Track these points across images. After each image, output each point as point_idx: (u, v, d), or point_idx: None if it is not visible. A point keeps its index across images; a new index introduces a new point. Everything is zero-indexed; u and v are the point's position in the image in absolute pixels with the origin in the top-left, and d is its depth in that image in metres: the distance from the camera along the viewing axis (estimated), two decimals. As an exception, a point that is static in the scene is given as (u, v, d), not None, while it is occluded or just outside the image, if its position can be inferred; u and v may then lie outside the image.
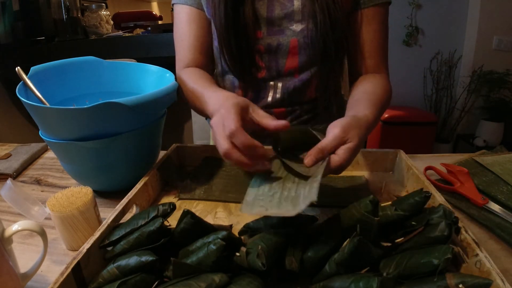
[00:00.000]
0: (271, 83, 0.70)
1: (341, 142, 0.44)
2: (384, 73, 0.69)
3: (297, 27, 0.65)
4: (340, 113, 0.77)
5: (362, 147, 0.48)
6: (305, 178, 0.44)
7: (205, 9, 0.69)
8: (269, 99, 0.71)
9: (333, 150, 0.44)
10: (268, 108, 0.72)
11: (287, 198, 0.41)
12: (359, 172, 0.63)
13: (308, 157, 0.43)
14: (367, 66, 0.68)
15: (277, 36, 0.66)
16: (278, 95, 0.71)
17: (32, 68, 0.61)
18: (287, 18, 0.65)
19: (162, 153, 0.67)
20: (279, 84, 0.70)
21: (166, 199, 0.57)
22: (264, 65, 0.69)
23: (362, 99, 0.57)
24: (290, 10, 0.65)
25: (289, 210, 0.38)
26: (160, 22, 2.36)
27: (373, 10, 0.65)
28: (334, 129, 0.44)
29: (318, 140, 0.45)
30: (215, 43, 0.70)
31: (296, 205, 0.39)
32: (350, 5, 0.65)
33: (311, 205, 0.36)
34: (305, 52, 0.66)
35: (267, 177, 0.46)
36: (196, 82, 0.63)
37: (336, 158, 0.44)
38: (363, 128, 0.47)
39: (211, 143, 0.89)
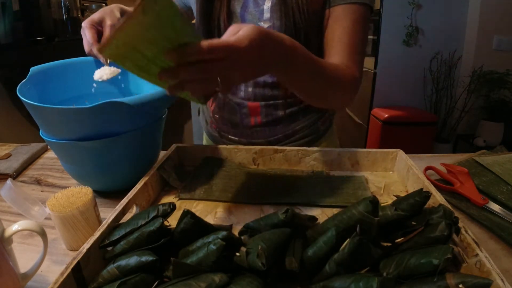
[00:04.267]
0: None
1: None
2: (351, 69, 0.62)
3: (265, 23, 0.67)
4: (318, 115, 0.78)
5: (255, 57, 0.41)
6: None
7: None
8: (242, 93, 0.74)
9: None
10: (242, 100, 0.74)
11: None
12: (359, 172, 0.63)
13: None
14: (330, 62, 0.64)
15: None
16: (249, 89, 0.73)
17: (32, 69, 0.60)
18: (258, 15, 0.68)
19: (162, 153, 0.67)
20: None
21: (166, 199, 0.57)
22: None
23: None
24: (261, 9, 0.68)
25: None
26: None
27: (344, 8, 0.63)
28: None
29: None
30: None
31: None
32: (320, 8, 0.65)
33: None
34: None
35: None
36: None
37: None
38: (273, 40, 0.42)
39: (204, 142, 0.90)
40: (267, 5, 0.67)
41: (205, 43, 0.36)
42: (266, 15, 0.67)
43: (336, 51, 0.64)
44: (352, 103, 0.67)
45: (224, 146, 0.68)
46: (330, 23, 0.64)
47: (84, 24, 0.61)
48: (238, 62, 0.39)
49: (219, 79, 0.40)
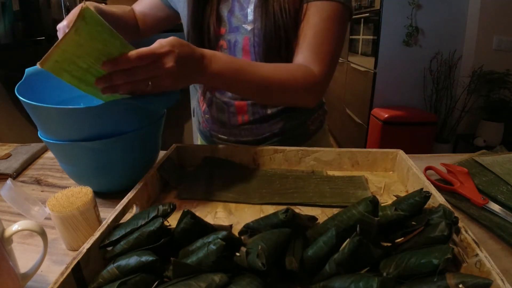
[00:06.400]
0: None
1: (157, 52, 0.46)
2: (312, 67, 0.62)
3: (249, 26, 0.68)
4: (307, 115, 0.79)
5: (181, 73, 0.49)
6: None
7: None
8: (229, 93, 0.74)
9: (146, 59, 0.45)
10: (230, 99, 0.75)
11: None
12: (359, 172, 0.63)
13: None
14: (296, 59, 0.65)
15: (235, 34, 0.70)
16: None
17: (27, 70, 0.59)
18: (243, 18, 0.69)
19: (162, 153, 0.67)
20: None
21: (166, 199, 0.57)
22: None
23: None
24: (245, 12, 0.69)
25: None
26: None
27: (315, 5, 0.63)
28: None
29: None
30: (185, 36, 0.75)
31: None
32: (299, 6, 0.64)
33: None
34: (254, 50, 0.69)
35: None
36: (113, 7, 0.75)
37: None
38: (189, 48, 0.50)
39: (199, 142, 0.90)
40: (250, 8, 0.68)
41: (134, 52, 0.44)
42: (250, 17, 0.68)
43: (302, 48, 0.64)
44: (316, 102, 0.67)
45: (224, 146, 0.68)
46: (302, 19, 0.65)
47: (61, 26, 0.57)
48: (164, 65, 0.46)
49: (150, 82, 0.47)
